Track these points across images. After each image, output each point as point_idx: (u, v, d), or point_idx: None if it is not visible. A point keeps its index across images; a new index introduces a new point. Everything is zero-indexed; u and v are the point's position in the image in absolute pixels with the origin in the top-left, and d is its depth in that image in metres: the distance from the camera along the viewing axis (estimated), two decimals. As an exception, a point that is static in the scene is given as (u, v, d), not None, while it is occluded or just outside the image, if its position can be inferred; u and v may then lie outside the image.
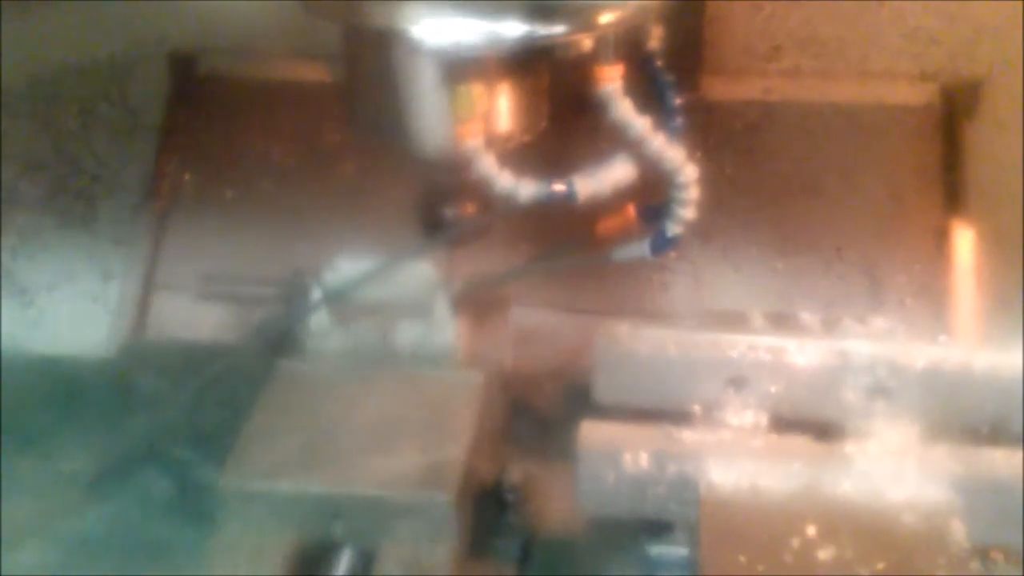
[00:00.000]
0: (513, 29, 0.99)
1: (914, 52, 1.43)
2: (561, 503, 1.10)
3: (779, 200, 1.41)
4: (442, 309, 1.15)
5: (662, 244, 1.09)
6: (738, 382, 1.05)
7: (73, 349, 1.41)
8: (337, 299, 1.17)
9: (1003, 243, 1.35)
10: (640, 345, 1.06)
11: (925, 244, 1.38)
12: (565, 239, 1.19)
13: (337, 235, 1.41)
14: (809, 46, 1.45)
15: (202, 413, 1.23)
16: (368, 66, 1.07)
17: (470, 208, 1.13)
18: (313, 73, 1.46)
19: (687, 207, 1.06)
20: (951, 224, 1.38)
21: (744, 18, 1.44)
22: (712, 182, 1.09)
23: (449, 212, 1.14)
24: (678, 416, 1.04)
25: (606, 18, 1.00)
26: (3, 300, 1.46)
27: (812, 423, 1.03)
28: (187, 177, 1.51)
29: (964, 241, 1.37)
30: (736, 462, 1.00)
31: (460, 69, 1.01)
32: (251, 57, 1.51)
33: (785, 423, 1.04)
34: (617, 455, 1.01)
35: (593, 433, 1.03)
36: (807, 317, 1.10)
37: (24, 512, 1.16)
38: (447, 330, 1.15)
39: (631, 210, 1.12)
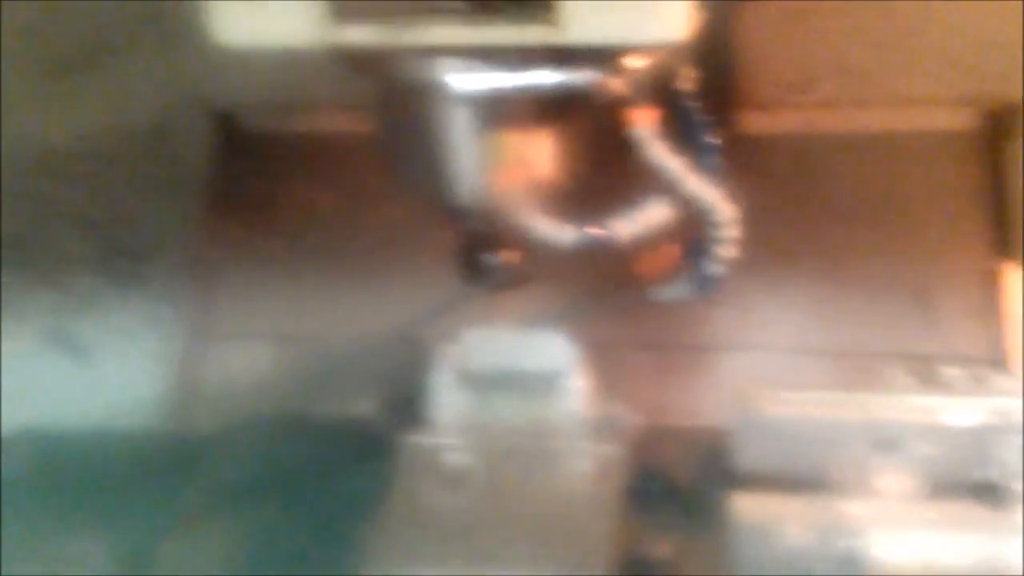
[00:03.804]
0: (545, 77, 0.99)
1: (952, 78, 1.41)
2: None
3: (823, 230, 1.39)
4: (574, 379, 1.12)
5: (703, 284, 1.09)
6: (888, 445, 1.00)
7: (132, 407, 1.43)
8: (465, 371, 1.14)
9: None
10: (782, 408, 1.01)
11: (975, 267, 1.36)
12: (607, 280, 1.20)
13: (382, 282, 1.43)
14: (844, 76, 1.44)
15: (325, 494, 1.20)
16: (403, 116, 1.08)
17: (511, 254, 1.14)
18: (353, 124, 1.48)
19: (727, 246, 1.06)
20: (999, 246, 1.36)
21: (777, 51, 1.43)
22: (753, 216, 1.09)
23: (490, 259, 1.14)
24: (824, 482, 1.00)
25: (637, 62, 1.00)
26: (62, 361, 1.49)
27: (968, 486, 0.98)
28: (234, 231, 1.53)
29: (1014, 262, 1.35)
30: (904, 535, 0.95)
31: (495, 116, 1.02)
32: (292, 110, 1.54)
33: (939, 487, 0.99)
34: (777, 530, 0.96)
35: (748, 506, 0.99)
36: (951, 372, 1.04)
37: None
38: (580, 400, 1.12)
39: (672, 249, 1.12)
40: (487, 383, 1.13)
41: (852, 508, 0.98)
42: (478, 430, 1.12)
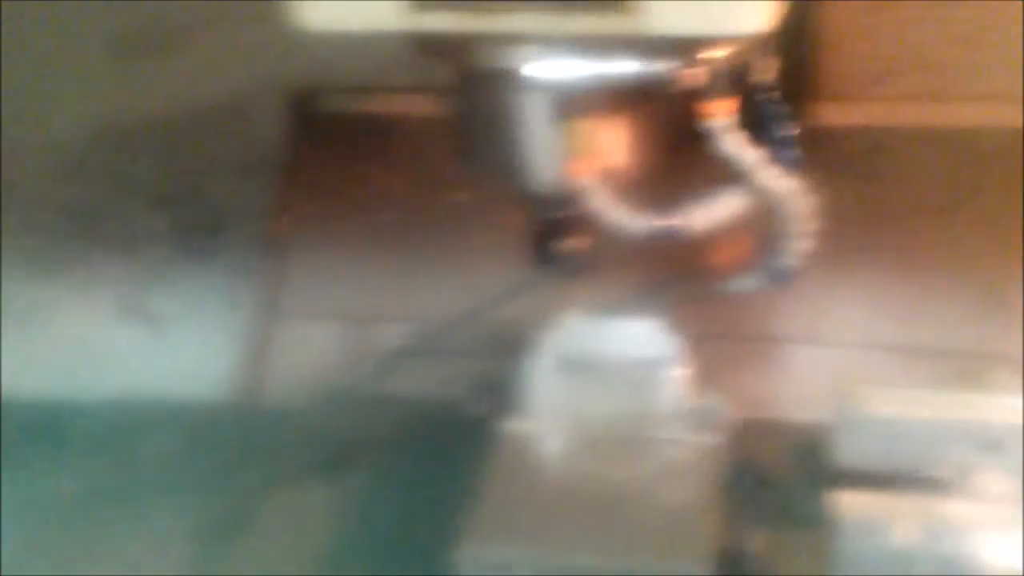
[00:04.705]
0: (624, 67, 1.00)
1: (1032, 73, 1.39)
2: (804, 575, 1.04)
3: (898, 225, 1.38)
4: (673, 366, 1.12)
5: (776, 276, 1.08)
6: (993, 446, 1.00)
7: (203, 380, 1.46)
8: (563, 357, 1.14)
9: None
10: (888, 407, 1.02)
11: (1050, 264, 1.34)
12: (679, 269, 1.19)
13: (452, 265, 1.44)
14: (924, 69, 1.42)
15: (419, 476, 1.21)
16: (478, 102, 1.09)
17: (583, 241, 1.14)
18: (428, 107, 1.49)
19: (802, 238, 1.06)
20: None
21: (856, 43, 1.42)
22: (828, 209, 1.08)
23: (561, 245, 1.15)
24: (926, 482, 1.00)
25: (716, 53, 1.00)
26: (134, 331, 1.52)
27: None
28: (308, 209, 1.54)
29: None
30: (1008, 537, 0.94)
31: (571, 105, 1.03)
32: (367, 92, 1.55)
33: None
34: (882, 529, 0.96)
35: (853, 504, 0.99)
36: None
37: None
38: (677, 390, 1.12)
39: (746, 241, 1.12)
40: (585, 369, 1.13)
41: (955, 509, 0.97)
42: (574, 417, 1.12)
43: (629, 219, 1.05)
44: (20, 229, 1.58)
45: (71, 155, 1.61)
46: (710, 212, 1.06)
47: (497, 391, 1.17)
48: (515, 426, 1.13)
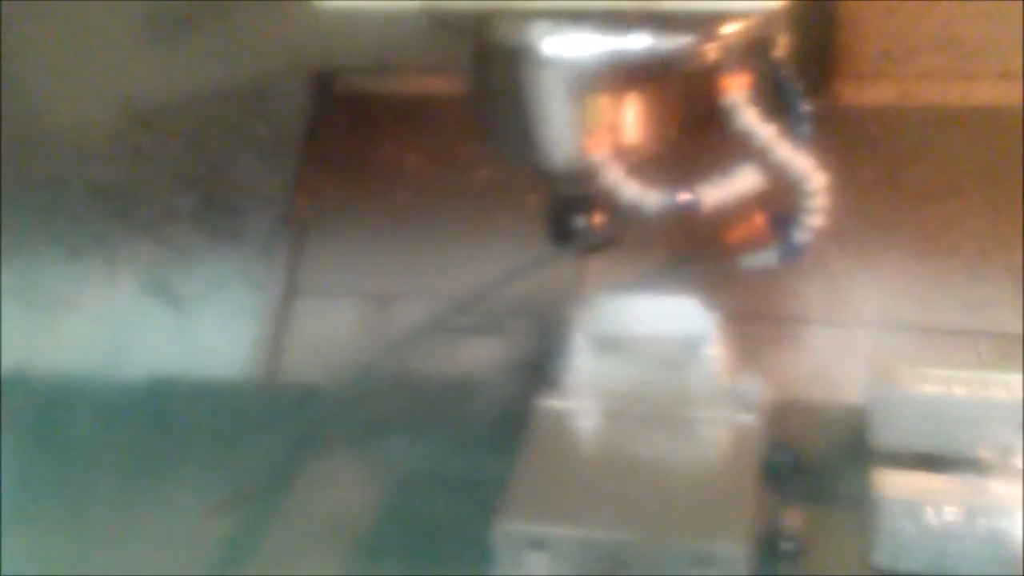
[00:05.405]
0: (638, 42, 1.00)
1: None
2: (841, 554, 1.03)
3: (918, 204, 1.37)
4: (711, 346, 1.12)
5: (790, 252, 1.08)
6: None
7: (224, 357, 1.47)
8: (599, 336, 1.14)
9: None
10: (924, 385, 1.02)
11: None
12: (694, 247, 1.19)
13: (470, 243, 1.44)
14: (947, 47, 1.41)
15: (458, 452, 1.22)
16: (496, 80, 1.09)
17: (599, 218, 1.14)
18: (445, 86, 1.50)
19: (815, 215, 1.06)
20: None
21: (878, 21, 1.41)
22: (847, 187, 1.08)
23: (579, 222, 1.15)
24: (963, 462, 1.00)
25: (731, 28, 1.00)
26: (157, 310, 1.54)
27: None
28: (328, 189, 1.55)
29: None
30: None
31: (587, 81, 1.03)
32: (386, 73, 1.56)
33: None
34: (921, 508, 0.96)
35: (891, 483, 0.98)
36: None
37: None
38: (716, 368, 1.12)
39: (760, 218, 1.12)
40: (621, 348, 1.13)
41: (1002, 489, 0.97)
42: (611, 395, 1.12)
43: (644, 195, 1.05)
44: (48, 209, 1.60)
45: (98, 137, 1.62)
46: (724, 188, 1.05)
47: (529, 369, 1.17)
48: (552, 404, 1.13)
